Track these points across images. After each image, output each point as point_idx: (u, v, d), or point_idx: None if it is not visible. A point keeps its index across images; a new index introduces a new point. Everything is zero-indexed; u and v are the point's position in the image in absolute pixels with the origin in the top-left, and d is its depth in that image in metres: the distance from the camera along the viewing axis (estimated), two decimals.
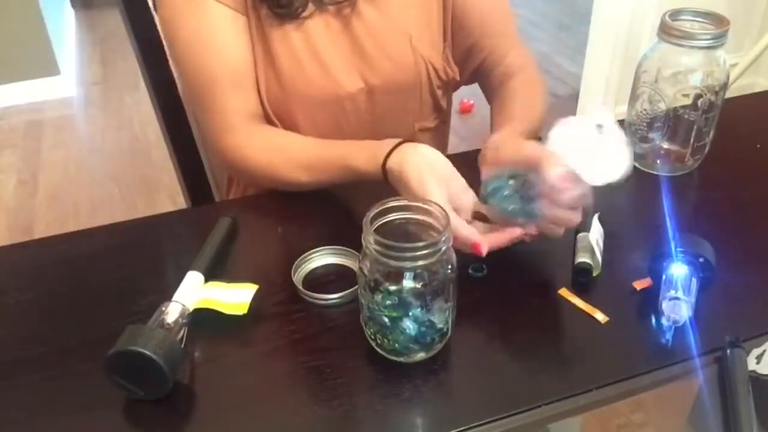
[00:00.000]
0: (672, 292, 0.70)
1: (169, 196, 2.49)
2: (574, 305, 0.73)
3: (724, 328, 0.68)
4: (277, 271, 0.79)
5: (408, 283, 0.62)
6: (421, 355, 0.67)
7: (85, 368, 0.69)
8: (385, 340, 0.66)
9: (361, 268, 0.64)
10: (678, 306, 0.69)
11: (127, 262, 0.83)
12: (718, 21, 0.88)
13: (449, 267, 0.64)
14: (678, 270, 0.71)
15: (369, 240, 0.62)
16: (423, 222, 0.66)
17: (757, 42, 2.50)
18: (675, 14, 0.89)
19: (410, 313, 0.64)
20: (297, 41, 0.92)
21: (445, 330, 0.66)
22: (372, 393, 0.65)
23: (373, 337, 0.67)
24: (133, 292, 0.77)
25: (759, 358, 0.65)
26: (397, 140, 0.82)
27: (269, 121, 0.97)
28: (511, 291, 0.74)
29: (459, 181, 0.78)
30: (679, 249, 0.72)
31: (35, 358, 0.70)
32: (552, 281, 0.76)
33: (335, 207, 0.91)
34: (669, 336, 0.69)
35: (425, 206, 0.65)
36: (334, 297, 0.74)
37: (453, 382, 0.66)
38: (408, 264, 0.61)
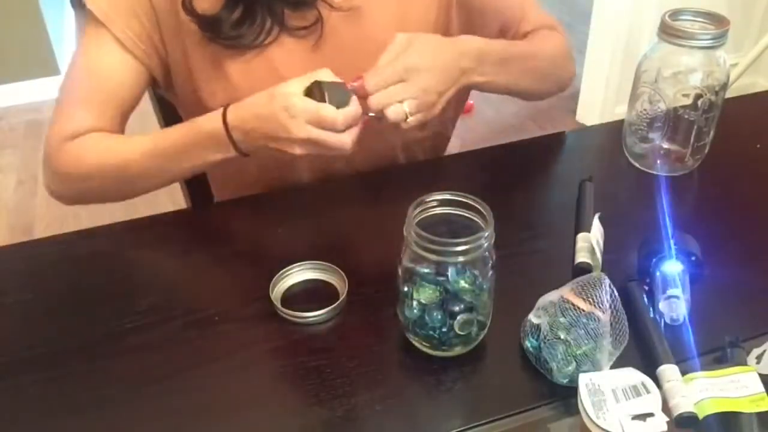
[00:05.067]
0: (668, 291, 0.70)
1: (169, 196, 2.48)
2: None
3: (723, 328, 0.68)
4: (277, 270, 0.79)
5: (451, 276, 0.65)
6: (458, 349, 0.68)
7: (85, 368, 0.69)
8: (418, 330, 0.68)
9: (401, 257, 0.66)
10: (676, 304, 0.69)
11: (127, 262, 0.83)
12: (718, 21, 0.88)
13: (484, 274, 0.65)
14: (671, 268, 0.72)
15: (410, 232, 0.63)
16: (465, 216, 0.67)
17: (757, 42, 2.50)
18: (675, 14, 0.89)
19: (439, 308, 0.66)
20: (259, 70, 0.89)
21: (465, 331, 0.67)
22: (372, 393, 0.65)
23: (407, 326, 0.69)
24: (133, 292, 0.77)
25: (759, 358, 0.65)
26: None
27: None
28: (510, 291, 0.74)
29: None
30: (668, 247, 0.72)
31: (35, 358, 0.70)
32: (552, 281, 0.76)
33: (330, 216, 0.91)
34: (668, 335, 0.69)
35: (469, 201, 0.66)
36: (311, 315, 0.72)
37: (453, 383, 0.66)
38: (447, 259, 0.63)
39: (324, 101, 0.76)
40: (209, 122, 0.82)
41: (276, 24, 0.88)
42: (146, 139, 0.87)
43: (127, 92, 0.92)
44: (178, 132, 0.86)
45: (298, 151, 0.79)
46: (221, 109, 0.82)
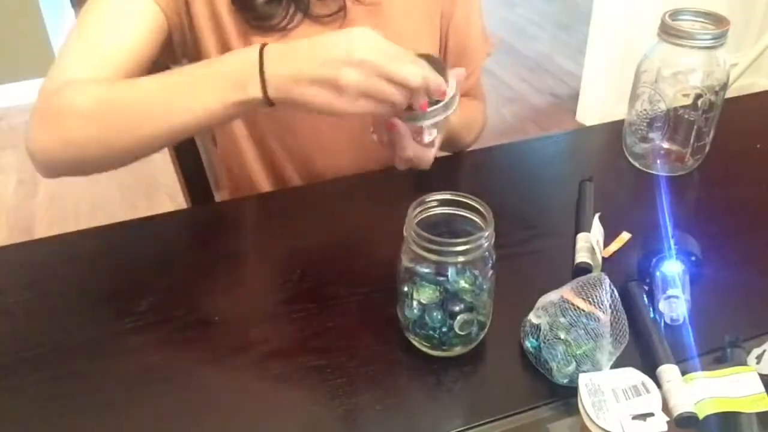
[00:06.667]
0: (668, 291, 0.70)
1: (169, 196, 2.49)
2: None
3: (723, 328, 0.68)
4: (277, 270, 0.79)
5: (451, 277, 0.65)
6: (458, 349, 0.68)
7: (85, 368, 0.69)
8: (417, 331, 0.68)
9: (401, 257, 0.66)
10: (676, 304, 0.69)
11: (127, 262, 0.83)
12: (718, 21, 0.88)
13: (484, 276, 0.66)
14: (671, 268, 0.72)
15: (410, 232, 0.63)
16: (466, 217, 0.67)
17: (757, 42, 2.50)
18: (675, 14, 0.89)
19: (439, 308, 0.66)
20: None
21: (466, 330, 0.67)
22: (372, 393, 0.65)
23: (408, 327, 0.69)
24: (133, 292, 0.77)
25: (759, 358, 0.65)
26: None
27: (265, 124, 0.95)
28: (510, 291, 0.74)
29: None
30: (668, 247, 0.73)
31: (35, 358, 0.70)
32: (552, 281, 0.76)
33: (336, 216, 0.91)
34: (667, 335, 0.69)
35: (470, 201, 0.66)
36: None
37: (453, 383, 0.66)
38: (440, 258, 0.63)
39: None
40: (240, 52, 0.72)
41: (300, 10, 0.89)
42: (156, 75, 0.76)
43: (141, 43, 0.82)
44: (197, 65, 0.75)
45: (344, 103, 0.67)
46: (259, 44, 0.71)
